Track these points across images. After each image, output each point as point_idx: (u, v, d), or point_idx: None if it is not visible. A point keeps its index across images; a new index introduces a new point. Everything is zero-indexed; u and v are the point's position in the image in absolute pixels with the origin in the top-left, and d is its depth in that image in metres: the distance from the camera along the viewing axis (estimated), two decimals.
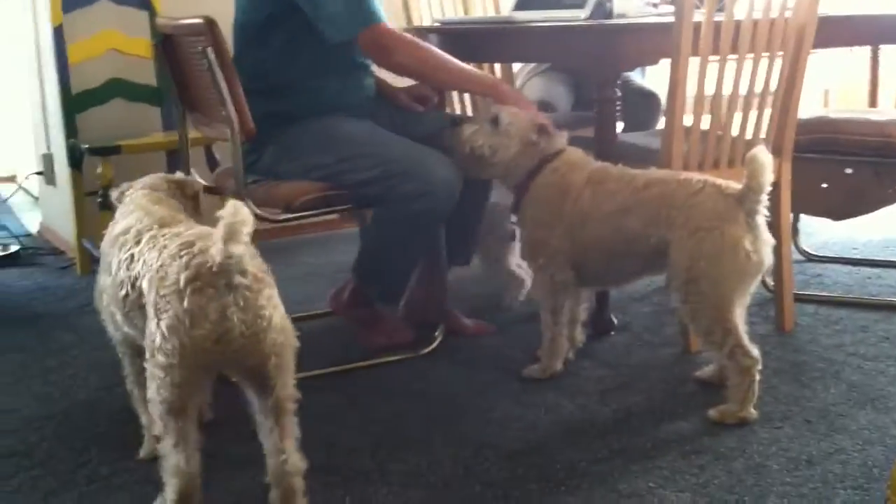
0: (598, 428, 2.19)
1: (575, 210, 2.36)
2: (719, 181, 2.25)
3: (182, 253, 1.66)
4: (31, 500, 1.96)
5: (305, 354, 2.68)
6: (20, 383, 2.58)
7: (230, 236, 1.58)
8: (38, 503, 1.95)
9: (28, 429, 2.30)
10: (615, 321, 2.80)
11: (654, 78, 3.82)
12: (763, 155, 2.14)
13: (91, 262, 3.66)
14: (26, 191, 5.09)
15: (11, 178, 5.28)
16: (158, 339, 1.63)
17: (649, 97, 3.70)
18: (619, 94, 2.64)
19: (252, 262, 1.66)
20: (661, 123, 3.60)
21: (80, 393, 2.51)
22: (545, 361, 2.48)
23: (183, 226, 1.83)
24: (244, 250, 1.61)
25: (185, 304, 1.60)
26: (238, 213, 1.59)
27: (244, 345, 1.64)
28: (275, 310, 1.69)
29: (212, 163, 3.62)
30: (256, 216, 2.54)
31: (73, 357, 2.77)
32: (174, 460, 1.69)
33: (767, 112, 2.66)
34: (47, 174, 4.10)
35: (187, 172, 2.81)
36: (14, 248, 4.10)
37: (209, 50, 2.30)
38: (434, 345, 2.69)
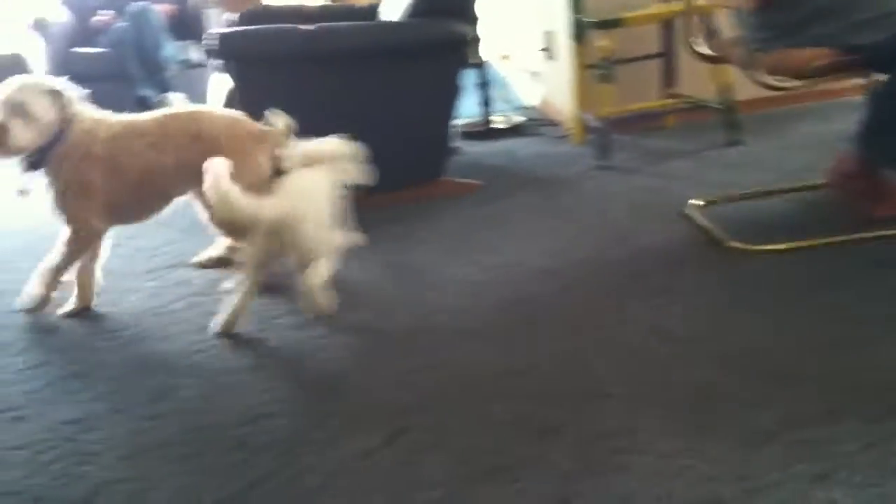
0: None
1: None
2: None
3: None
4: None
5: (802, 224, 2.66)
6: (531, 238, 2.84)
7: None
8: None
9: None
10: None
11: None
12: None
13: (586, 133, 3.88)
14: (521, 69, 5.45)
15: (506, 58, 5.67)
16: None
17: None
18: None
19: None
20: None
21: (579, 252, 2.67)
22: None
23: None
24: None
25: None
26: None
27: None
28: None
29: (709, 32, 3.62)
30: (766, 85, 2.55)
31: (576, 218, 2.99)
32: None
33: None
34: (549, 50, 4.36)
35: (686, 42, 2.86)
36: (518, 119, 4.46)
37: None
38: None
